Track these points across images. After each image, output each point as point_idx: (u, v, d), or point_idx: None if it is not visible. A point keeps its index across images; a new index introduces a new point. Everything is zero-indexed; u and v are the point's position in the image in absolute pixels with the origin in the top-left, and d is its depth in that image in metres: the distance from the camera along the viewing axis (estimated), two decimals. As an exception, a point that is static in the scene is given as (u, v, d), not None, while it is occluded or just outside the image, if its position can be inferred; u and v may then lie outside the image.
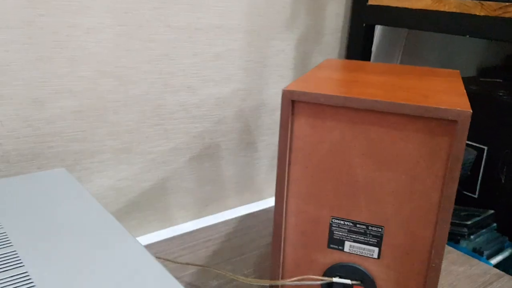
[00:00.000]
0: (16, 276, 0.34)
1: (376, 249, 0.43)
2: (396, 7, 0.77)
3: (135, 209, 0.70)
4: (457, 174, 0.38)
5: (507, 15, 0.64)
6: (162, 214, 0.73)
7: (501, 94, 0.90)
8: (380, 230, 0.43)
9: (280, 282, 0.47)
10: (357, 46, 0.87)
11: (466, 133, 0.37)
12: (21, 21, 0.53)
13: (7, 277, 0.34)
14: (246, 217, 0.73)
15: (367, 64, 0.57)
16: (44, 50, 0.56)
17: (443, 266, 0.62)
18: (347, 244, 0.44)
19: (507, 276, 0.60)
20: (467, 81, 1.03)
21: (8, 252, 0.37)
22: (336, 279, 0.45)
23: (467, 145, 0.92)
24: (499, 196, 0.88)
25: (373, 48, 0.95)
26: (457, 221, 0.83)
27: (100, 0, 0.58)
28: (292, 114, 0.43)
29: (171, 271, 0.58)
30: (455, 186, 0.39)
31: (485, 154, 0.89)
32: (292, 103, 0.42)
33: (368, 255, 0.44)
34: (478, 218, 0.84)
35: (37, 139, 0.58)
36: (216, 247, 0.64)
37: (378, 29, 0.96)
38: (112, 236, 0.40)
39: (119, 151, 0.66)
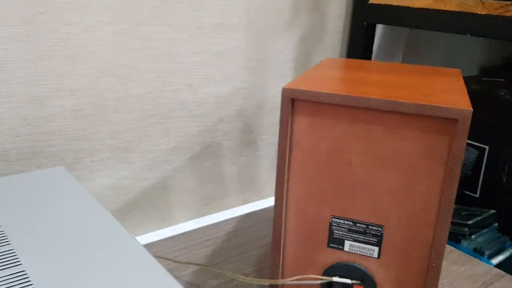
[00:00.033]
0: (14, 275, 0.34)
1: (376, 249, 0.43)
2: (397, 6, 0.77)
3: (135, 208, 0.70)
4: (457, 173, 0.38)
5: (508, 14, 0.64)
6: (162, 213, 0.73)
7: (502, 93, 0.90)
8: (380, 229, 0.42)
9: (280, 282, 0.47)
10: (358, 46, 0.87)
11: (467, 132, 0.37)
12: (20, 19, 0.53)
13: (4, 276, 0.33)
14: (247, 217, 0.73)
15: (368, 63, 0.57)
16: (43, 48, 0.56)
17: (444, 265, 0.62)
18: (347, 244, 0.44)
19: (508, 276, 0.60)
20: (468, 81, 1.03)
21: (6, 251, 0.36)
22: (336, 279, 0.45)
23: (469, 144, 0.92)
24: (501, 196, 0.88)
25: (374, 48, 0.95)
26: (458, 221, 0.83)
27: (100, -2, 0.58)
28: (292, 112, 0.42)
29: (172, 270, 0.58)
30: (455, 186, 0.38)
31: (486, 153, 0.89)
32: (292, 102, 0.42)
33: (368, 255, 0.44)
34: (479, 218, 0.84)
35: (36, 138, 0.58)
36: (217, 246, 0.64)
37: (379, 28, 0.96)
38: (111, 235, 0.39)
39: (119, 150, 0.65)
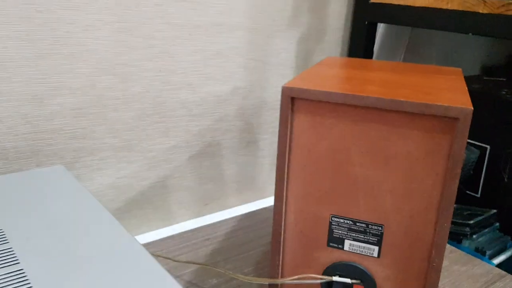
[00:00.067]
0: (12, 273, 0.33)
1: (376, 248, 0.43)
2: (399, 5, 0.77)
3: (135, 208, 0.70)
4: (458, 173, 0.38)
5: (510, 13, 0.63)
6: (162, 213, 0.73)
7: (504, 93, 0.89)
8: (380, 228, 0.42)
9: (279, 281, 0.47)
10: (359, 45, 0.86)
11: (467, 130, 0.37)
12: (19, 17, 0.53)
13: (2, 274, 0.33)
14: (247, 216, 0.73)
15: (368, 61, 0.57)
16: (43, 46, 0.55)
17: (445, 265, 0.61)
18: (347, 243, 0.44)
19: (509, 276, 0.60)
20: (470, 80, 1.02)
21: (4, 249, 0.36)
22: (336, 278, 0.45)
23: (470, 144, 0.91)
24: (502, 196, 0.87)
25: (376, 47, 0.95)
26: (459, 221, 0.83)
27: (100, -3, 0.58)
28: (292, 111, 0.42)
29: (171, 269, 0.57)
30: (456, 185, 0.38)
31: (488, 153, 0.88)
32: (292, 100, 0.42)
33: (368, 254, 0.43)
34: (480, 218, 0.83)
35: (36, 136, 0.58)
36: (216, 246, 0.64)
37: (381, 27, 0.95)
38: (110, 234, 0.39)
39: (119, 149, 0.65)
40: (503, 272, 0.61)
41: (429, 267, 0.41)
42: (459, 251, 0.65)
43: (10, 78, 0.54)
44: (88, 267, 0.35)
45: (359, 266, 0.44)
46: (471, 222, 0.82)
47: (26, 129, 0.57)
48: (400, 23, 0.78)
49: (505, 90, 0.92)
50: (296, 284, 0.47)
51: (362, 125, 0.40)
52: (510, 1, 0.63)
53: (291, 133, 0.43)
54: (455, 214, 0.86)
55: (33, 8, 0.54)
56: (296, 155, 0.43)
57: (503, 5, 0.64)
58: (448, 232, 0.40)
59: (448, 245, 0.66)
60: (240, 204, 0.83)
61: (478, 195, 0.91)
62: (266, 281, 0.46)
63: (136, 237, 0.70)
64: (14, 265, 0.34)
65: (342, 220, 0.43)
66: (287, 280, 0.46)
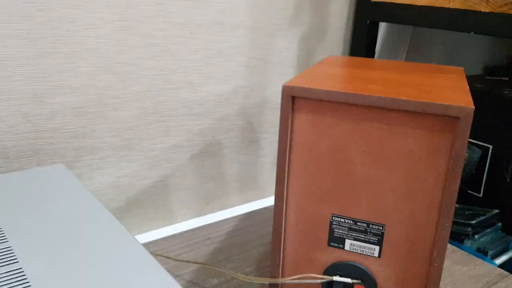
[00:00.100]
0: (10, 272, 0.33)
1: (377, 248, 0.43)
2: (400, 4, 0.76)
3: (136, 207, 0.70)
4: (459, 172, 0.37)
5: (513, 11, 0.63)
6: (163, 212, 0.73)
7: (506, 92, 0.89)
8: (381, 228, 0.42)
9: (280, 281, 0.46)
10: (361, 44, 0.86)
11: (469, 130, 0.36)
12: (20, 16, 0.53)
13: (1, 273, 0.33)
14: (248, 216, 0.73)
15: (370, 60, 0.56)
16: (43, 45, 0.55)
17: (446, 265, 0.61)
18: (348, 243, 0.44)
19: (511, 276, 0.59)
20: (473, 79, 1.02)
21: (3, 248, 0.36)
22: (336, 278, 0.44)
23: (472, 143, 0.91)
24: (504, 196, 0.87)
25: (378, 46, 0.94)
26: (461, 221, 0.82)
27: (101, -5, 0.58)
28: (292, 110, 0.42)
29: (172, 269, 0.57)
30: (457, 184, 0.38)
31: (490, 153, 0.88)
32: (292, 99, 0.42)
33: (369, 254, 0.43)
34: (482, 218, 0.83)
35: (37, 135, 0.58)
36: (217, 245, 0.64)
37: (383, 26, 0.95)
38: (109, 234, 0.39)
39: (120, 148, 0.65)
40: (505, 273, 0.60)
41: (430, 267, 0.41)
42: (460, 251, 0.65)
43: (11, 77, 0.54)
44: (87, 266, 0.35)
45: (360, 266, 0.44)
46: (473, 222, 0.81)
47: (26, 128, 0.57)
48: (402, 22, 0.78)
49: (508, 89, 0.91)
50: (296, 284, 0.47)
51: (363, 124, 0.40)
52: (513, 0, 0.63)
53: (291, 132, 0.43)
54: (457, 214, 0.86)
55: (34, 7, 0.54)
56: (296, 154, 0.43)
57: (505, 4, 0.63)
58: (449, 232, 0.39)
59: (449, 245, 0.66)
60: (242, 204, 0.83)
61: (480, 195, 0.91)
62: (267, 280, 0.46)
63: (137, 236, 0.70)
64: (13, 264, 0.34)
65: (343, 220, 0.43)
66: (288, 280, 0.46)
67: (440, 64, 1.10)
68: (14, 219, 0.41)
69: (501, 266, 0.79)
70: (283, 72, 0.80)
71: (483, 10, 0.66)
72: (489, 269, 0.61)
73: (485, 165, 0.89)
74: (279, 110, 0.82)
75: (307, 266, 0.46)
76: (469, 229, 0.81)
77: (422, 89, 0.41)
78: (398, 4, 0.77)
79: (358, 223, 0.43)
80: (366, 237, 0.43)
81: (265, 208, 0.75)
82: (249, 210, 0.79)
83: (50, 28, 0.55)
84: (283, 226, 0.45)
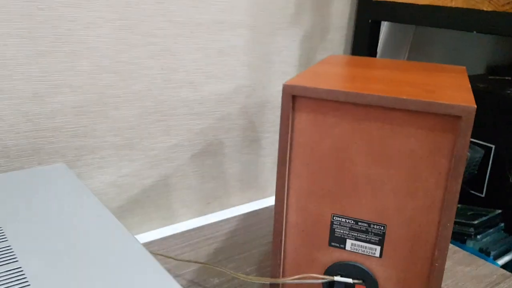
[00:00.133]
0: (10, 272, 0.33)
1: (378, 248, 0.42)
2: (402, 3, 0.76)
3: (137, 206, 0.70)
4: (461, 172, 0.37)
5: (515, 10, 0.62)
6: (164, 211, 0.73)
7: (509, 92, 0.89)
8: (382, 228, 0.42)
9: (280, 281, 0.46)
10: (363, 43, 0.86)
11: (471, 129, 0.36)
12: (20, 14, 0.53)
13: (0, 272, 0.33)
14: (249, 215, 0.73)
15: (371, 60, 0.56)
16: (44, 44, 0.55)
17: (448, 266, 0.61)
18: (349, 243, 0.43)
19: (514, 277, 0.59)
20: (475, 79, 1.02)
21: (3, 247, 0.36)
22: (337, 278, 0.44)
23: (475, 143, 0.91)
24: (507, 196, 0.87)
25: (380, 45, 0.94)
26: (463, 221, 0.82)
27: (101, -6, 0.58)
28: (293, 109, 0.42)
29: (173, 268, 0.57)
30: (459, 184, 0.38)
31: (492, 152, 0.88)
32: (293, 98, 0.41)
33: (370, 254, 0.43)
34: (485, 218, 0.83)
35: (37, 134, 0.58)
36: (218, 245, 0.64)
37: (385, 25, 0.95)
38: (109, 233, 0.39)
39: (121, 147, 0.65)
40: (508, 273, 0.60)
41: (432, 267, 0.41)
42: (463, 252, 0.64)
43: (11, 75, 0.54)
44: (87, 265, 0.34)
45: (361, 266, 0.43)
46: (475, 222, 0.81)
47: (27, 127, 0.57)
48: (404, 22, 0.77)
49: (510, 89, 0.91)
50: (297, 284, 0.47)
51: (364, 124, 0.40)
52: (516, -1, 0.62)
53: (292, 131, 0.42)
54: (459, 214, 0.86)
55: (34, 6, 0.54)
56: (297, 153, 0.43)
57: (508, 3, 0.63)
58: (451, 232, 0.39)
59: (452, 246, 0.66)
60: (243, 203, 0.83)
61: (483, 195, 0.90)
62: (267, 280, 0.46)
63: (138, 235, 0.70)
64: (12, 263, 0.34)
65: (344, 220, 0.43)
66: (288, 280, 0.46)
67: (442, 63, 1.09)
68: (14, 218, 0.40)
69: (504, 266, 0.78)
70: (284, 71, 0.80)
71: (485, 9, 0.65)
72: (491, 269, 0.60)
73: (488, 165, 0.89)
74: (280, 109, 0.81)
75: (308, 266, 0.46)
76: (471, 229, 0.81)
77: (424, 88, 0.41)
78: (400, 3, 0.77)
79: (359, 223, 0.42)
80: (367, 237, 0.42)
81: (266, 208, 0.75)
82: (250, 209, 0.79)
83: (50, 27, 0.55)
84: (283, 226, 0.45)
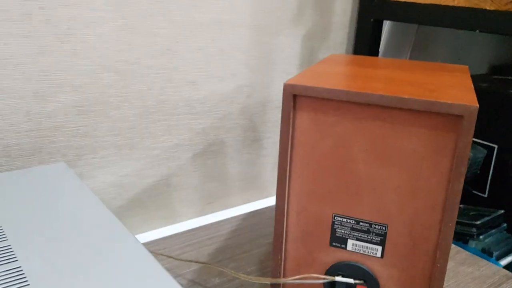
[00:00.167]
0: (9, 271, 0.33)
1: (379, 248, 0.42)
2: (405, 2, 0.76)
3: (138, 206, 0.70)
4: (463, 171, 0.37)
5: (518, 9, 0.62)
6: (165, 211, 0.73)
7: (512, 91, 0.88)
8: (383, 228, 0.41)
9: (281, 281, 0.46)
10: (365, 42, 0.86)
11: (473, 128, 0.36)
12: (20, 13, 0.53)
13: (0, 272, 0.33)
14: (250, 215, 0.72)
15: (373, 59, 0.56)
16: (44, 43, 0.55)
17: (451, 266, 0.61)
18: (350, 243, 0.43)
19: (516, 278, 0.59)
20: (478, 79, 1.01)
21: (3, 247, 0.36)
22: (338, 278, 0.44)
23: (477, 143, 0.90)
24: (510, 196, 0.86)
25: (382, 44, 0.94)
26: (466, 221, 0.82)
27: (102, -7, 0.58)
28: (294, 109, 0.42)
29: (174, 268, 0.57)
30: (461, 184, 0.37)
31: (495, 152, 0.87)
32: (294, 98, 0.41)
33: (372, 254, 0.43)
34: (487, 218, 0.82)
35: (38, 134, 0.58)
36: (219, 245, 0.63)
37: (387, 24, 0.94)
38: (109, 233, 0.39)
39: (122, 147, 0.65)
40: (511, 274, 0.59)
41: (434, 268, 0.41)
42: (465, 252, 0.64)
43: (12, 75, 0.54)
44: (86, 265, 0.34)
45: (362, 266, 0.43)
46: (478, 222, 0.81)
47: (28, 126, 0.57)
48: (407, 21, 0.77)
49: (513, 88, 0.90)
50: (298, 284, 0.47)
51: (365, 123, 0.40)
52: (519, -2, 0.62)
53: (293, 131, 0.42)
54: (461, 215, 0.85)
55: (35, 5, 0.53)
56: (298, 153, 0.43)
57: (510, 2, 0.63)
58: (453, 232, 0.39)
59: (454, 246, 0.65)
60: (244, 203, 0.83)
61: (485, 195, 0.90)
62: (268, 280, 0.45)
63: (138, 235, 0.70)
64: (11, 263, 0.34)
65: (345, 220, 0.43)
66: (289, 280, 0.45)
67: (445, 63, 1.09)
68: (14, 217, 0.40)
69: (506, 267, 0.78)
70: (286, 71, 0.80)
71: (488, 8, 0.65)
72: (494, 270, 0.60)
73: (490, 165, 0.88)
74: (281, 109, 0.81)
75: (309, 266, 0.45)
76: (474, 229, 0.80)
77: (426, 88, 0.41)
78: (402, 2, 0.76)
79: (361, 223, 0.42)
80: (368, 237, 0.42)
81: (267, 208, 0.75)
82: (251, 209, 0.79)
83: (50, 26, 0.55)
84: (284, 226, 0.45)
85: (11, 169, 0.57)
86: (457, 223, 0.84)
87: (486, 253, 0.79)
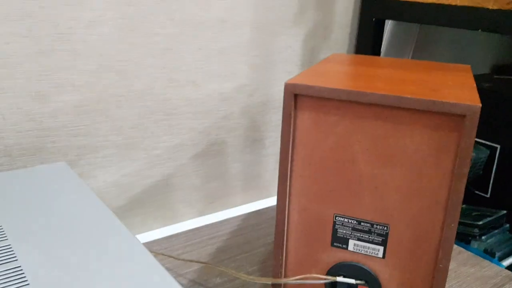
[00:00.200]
0: (9, 270, 0.33)
1: (381, 248, 0.42)
2: (407, 1, 0.76)
3: (139, 206, 0.69)
4: (465, 171, 0.37)
5: (521, 9, 0.62)
6: (166, 211, 0.73)
7: (515, 91, 0.88)
8: (385, 228, 0.41)
9: (282, 281, 0.46)
10: (367, 42, 0.85)
11: (475, 128, 0.36)
12: (21, 13, 0.53)
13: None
14: (252, 215, 0.72)
15: (374, 58, 0.56)
16: (45, 42, 0.55)
17: (453, 267, 0.60)
18: (351, 243, 0.43)
19: (519, 278, 0.58)
20: (480, 78, 1.01)
21: (3, 246, 0.36)
22: (340, 279, 0.44)
23: (480, 143, 0.90)
24: (512, 196, 0.86)
25: (384, 44, 0.94)
26: (468, 221, 0.81)
27: (103, -7, 0.58)
28: (295, 108, 0.41)
29: (175, 268, 0.57)
30: (463, 184, 0.37)
31: (498, 152, 0.87)
32: (295, 97, 0.41)
33: (373, 254, 0.42)
34: (490, 219, 0.82)
35: (39, 133, 0.58)
36: (220, 245, 0.63)
37: (389, 24, 0.94)
38: (110, 232, 0.39)
39: (123, 147, 0.65)
40: (513, 274, 0.59)
41: (436, 268, 0.40)
42: (467, 253, 0.64)
43: (13, 74, 0.54)
44: (86, 264, 0.34)
45: (363, 266, 0.43)
46: (480, 223, 0.80)
47: (29, 126, 0.57)
48: (408, 20, 0.77)
49: (516, 88, 0.90)
50: (299, 284, 0.47)
51: (367, 123, 0.39)
52: (521, -3, 0.62)
53: (294, 130, 0.42)
54: (464, 215, 0.85)
55: (35, 4, 0.53)
56: (299, 153, 0.42)
57: (514, 1, 0.62)
58: (455, 233, 0.39)
59: (456, 246, 0.65)
60: (245, 203, 0.83)
61: (488, 196, 0.89)
62: (269, 280, 0.45)
63: (139, 235, 0.69)
64: (11, 262, 0.34)
65: (346, 220, 0.42)
66: (290, 280, 0.45)
67: (447, 62, 1.09)
68: (14, 217, 0.40)
69: (509, 268, 0.78)
70: (287, 70, 0.80)
71: (490, 7, 0.65)
72: (496, 271, 0.60)
73: (493, 165, 0.88)
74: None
75: (310, 266, 0.45)
76: (476, 230, 0.80)
77: (428, 87, 0.40)
78: (404, 1, 0.76)
79: (362, 223, 0.42)
80: (370, 237, 0.42)
81: (268, 208, 0.75)
82: (252, 209, 0.78)
83: (51, 25, 0.55)
84: (285, 226, 0.45)
85: (12, 169, 0.57)
86: (459, 223, 0.83)
87: (488, 254, 0.78)
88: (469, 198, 0.92)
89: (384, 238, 0.42)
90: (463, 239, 0.82)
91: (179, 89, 0.68)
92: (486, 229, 0.81)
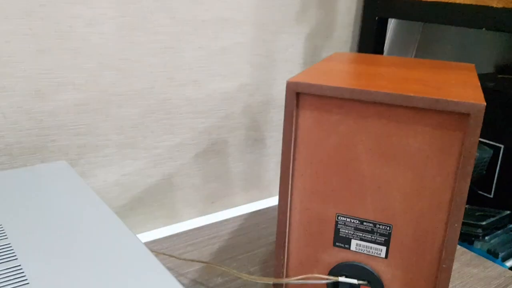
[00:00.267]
0: (9, 269, 0.33)
1: (383, 248, 0.42)
2: (410, 0, 0.75)
3: (140, 205, 0.69)
4: (469, 171, 0.36)
5: (525, 7, 0.61)
6: (167, 210, 0.72)
7: (519, 90, 0.87)
8: (388, 228, 0.41)
9: (284, 281, 0.46)
10: (369, 41, 0.85)
11: (480, 127, 0.35)
12: (21, 11, 0.53)
13: (-2, 271, 0.33)
14: (253, 215, 0.72)
15: (377, 57, 0.55)
16: (45, 41, 0.55)
17: (456, 267, 0.60)
18: (354, 243, 0.42)
19: (523, 279, 0.58)
20: (484, 78, 1.00)
21: (2, 245, 0.36)
22: (342, 279, 0.43)
23: (483, 143, 0.89)
24: (516, 196, 0.85)
25: (387, 43, 0.93)
26: (471, 222, 0.81)
27: (104, -9, 0.57)
28: (297, 107, 0.41)
29: (176, 267, 0.57)
30: (467, 183, 0.37)
31: (501, 152, 0.86)
32: (297, 96, 0.41)
33: (376, 254, 0.42)
34: (493, 219, 0.81)
35: (40, 132, 0.57)
36: (222, 244, 0.63)
37: (392, 23, 0.94)
38: (110, 231, 0.38)
39: (124, 146, 0.65)
40: (517, 275, 0.59)
41: (439, 269, 0.40)
42: (470, 253, 0.63)
43: (13, 73, 0.54)
44: (87, 264, 0.34)
45: (366, 266, 0.43)
46: (484, 223, 0.80)
47: (30, 124, 0.56)
48: (412, 19, 0.76)
49: (520, 88, 0.89)
50: (301, 284, 0.46)
51: (370, 121, 0.39)
52: (526, -5, 0.61)
53: (296, 129, 0.41)
54: (467, 215, 0.84)
55: (36, 2, 0.53)
56: (301, 152, 0.42)
57: (518, -1, 0.62)
58: (458, 233, 0.38)
59: (459, 247, 0.65)
60: (246, 203, 0.83)
61: (491, 196, 0.89)
62: (271, 280, 0.45)
63: (141, 234, 0.69)
64: (11, 261, 0.34)
65: (348, 219, 0.42)
66: (292, 280, 0.45)
67: (450, 61, 1.08)
68: (14, 216, 0.40)
69: (512, 268, 0.77)
70: (289, 69, 0.79)
71: (495, 6, 0.64)
72: (499, 271, 0.59)
73: (496, 165, 0.87)
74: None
75: (312, 266, 0.45)
76: (480, 230, 0.79)
77: (432, 85, 0.40)
78: (407, 0, 0.75)
79: (365, 223, 0.42)
80: (372, 237, 0.42)
81: (270, 207, 0.74)
82: (253, 209, 0.78)
83: (52, 24, 0.55)
84: (287, 226, 0.44)
85: (12, 168, 0.57)
86: (463, 223, 0.83)
87: (491, 254, 0.78)
88: (473, 198, 0.92)
89: (386, 238, 0.41)
90: (466, 239, 0.81)
91: (180, 88, 0.68)
92: (489, 230, 0.81)
